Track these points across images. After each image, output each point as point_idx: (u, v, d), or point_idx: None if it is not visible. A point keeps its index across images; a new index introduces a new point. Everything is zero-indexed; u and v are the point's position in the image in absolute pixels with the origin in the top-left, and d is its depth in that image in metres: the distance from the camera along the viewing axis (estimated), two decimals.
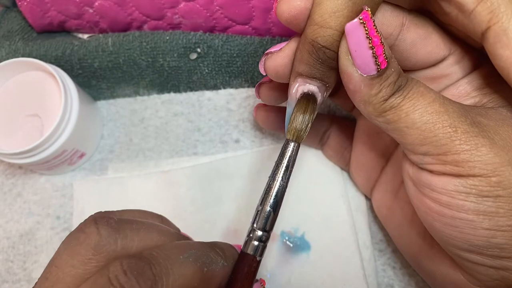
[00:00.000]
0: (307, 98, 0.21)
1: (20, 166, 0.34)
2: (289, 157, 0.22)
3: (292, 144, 0.22)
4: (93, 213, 0.20)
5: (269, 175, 0.22)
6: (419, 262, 0.26)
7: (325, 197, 0.32)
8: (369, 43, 0.18)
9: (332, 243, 0.30)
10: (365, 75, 0.19)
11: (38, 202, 0.33)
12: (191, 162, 0.33)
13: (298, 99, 0.22)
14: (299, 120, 0.22)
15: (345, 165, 0.31)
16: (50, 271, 0.18)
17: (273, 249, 0.31)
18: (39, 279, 0.19)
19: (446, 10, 0.21)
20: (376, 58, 0.19)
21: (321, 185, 0.32)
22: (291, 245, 0.31)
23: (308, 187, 0.32)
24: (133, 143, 0.35)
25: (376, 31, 0.18)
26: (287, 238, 0.31)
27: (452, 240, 0.21)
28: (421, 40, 0.22)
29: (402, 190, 0.27)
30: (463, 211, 0.19)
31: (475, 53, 0.22)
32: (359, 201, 0.32)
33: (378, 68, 0.19)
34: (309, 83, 0.21)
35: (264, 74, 0.23)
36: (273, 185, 0.22)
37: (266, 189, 0.22)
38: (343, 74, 0.20)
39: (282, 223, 0.31)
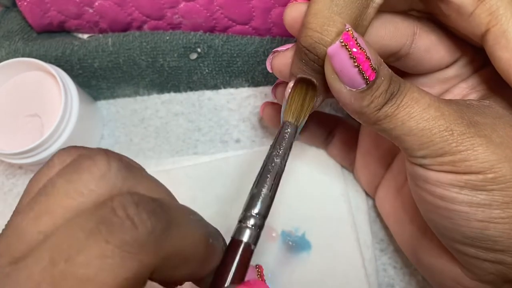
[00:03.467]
0: (306, 82, 0.21)
1: (20, 166, 0.34)
2: (288, 137, 0.21)
3: (290, 126, 0.21)
4: None
5: (264, 158, 0.21)
6: (419, 257, 0.26)
7: (326, 197, 0.32)
8: (354, 62, 0.18)
9: (332, 243, 0.30)
10: (354, 90, 0.19)
11: None
12: (192, 162, 0.33)
13: (296, 81, 0.21)
14: (299, 103, 0.21)
15: (350, 164, 0.32)
16: (38, 201, 0.15)
17: (274, 248, 0.31)
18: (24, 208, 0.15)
19: (445, 13, 0.21)
20: (363, 73, 0.18)
21: (322, 184, 0.32)
22: (292, 244, 0.31)
23: (308, 187, 0.32)
24: (133, 143, 0.35)
25: (360, 48, 0.18)
26: (287, 237, 0.31)
27: (447, 232, 0.21)
28: (434, 46, 0.22)
29: (405, 187, 0.27)
30: (457, 203, 0.20)
31: (482, 52, 0.23)
32: (360, 201, 0.32)
33: (366, 81, 0.19)
34: None
35: (271, 71, 0.24)
36: (270, 166, 0.20)
37: (262, 171, 0.21)
38: (332, 89, 0.20)
39: (283, 223, 0.31)
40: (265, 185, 0.20)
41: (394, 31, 0.21)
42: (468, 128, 0.19)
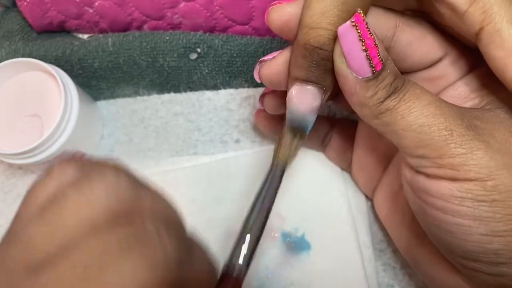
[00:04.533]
0: (295, 130, 0.23)
1: (20, 167, 0.34)
2: (279, 177, 0.23)
3: (279, 166, 0.23)
4: None
5: (254, 199, 0.23)
6: (418, 264, 0.25)
7: (325, 197, 0.32)
8: (362, 45, 0.18)
9: (332, 243, 0.30)
10: (360, 78, 0.19)
11: None
12: (192, 162, 0.33)
13: (286, 128, 0.23)
14: (288, 145, 0.23)
15: (347, 167, 0.31)
16: (51, 212, 0.15)
17: (274, 249, 0.31)
18: None
19: (440, 11, 0.21)
20: (370, 60, 0.19)
21: (321, 185, 0.32)
22: (292, 244, 0.31)
23: (308, 187, 0.32)
24: (133, 143, 0.35)
25: (369, 33, 0.18)
26: (287, 238, 0.31)
27: (448, 246, 0.20)
28: (417, 41, 0.22)
29: (401, 192, 0.26)
30: (459, 216, 0.19)
31: (471, 54, 0.22)
32: (359, 201, 0.32)
33: (373, 70, 0.19)
34: (306, 87, 0.21)
35: (259, 81, 0.24)
36: (260, 205, 0.22)
37: (252, 209, 0.22)
38: (338, 76, 0.20)
39: (283, 223, 0.31)
40: (256, 225, 0.22)
41: (375, 22, 0.21)
42: (468, 130, 0.19)
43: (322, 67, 0.20)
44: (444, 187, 0.19)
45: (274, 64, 0.22)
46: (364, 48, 0.18)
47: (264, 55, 0.32)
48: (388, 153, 0.28)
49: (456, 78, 0.23)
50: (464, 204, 0.19)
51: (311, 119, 0.23)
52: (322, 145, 0.32)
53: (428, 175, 0.20)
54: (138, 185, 0.17)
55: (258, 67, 0.23)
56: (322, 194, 0.32)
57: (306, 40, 0.19)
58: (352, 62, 0.19)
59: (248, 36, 0.33)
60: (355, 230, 0.31)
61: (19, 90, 0.32)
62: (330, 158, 0.32)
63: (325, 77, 0.21)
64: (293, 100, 0.21)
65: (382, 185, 0.29)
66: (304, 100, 0.21)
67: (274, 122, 0.30)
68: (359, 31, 0.18)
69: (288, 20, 0.20)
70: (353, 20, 0.18)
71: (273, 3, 0.21)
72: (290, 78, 0.22)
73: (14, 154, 0.29)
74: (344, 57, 0.19)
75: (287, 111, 0.23)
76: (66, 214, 0.15)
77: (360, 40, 0.18)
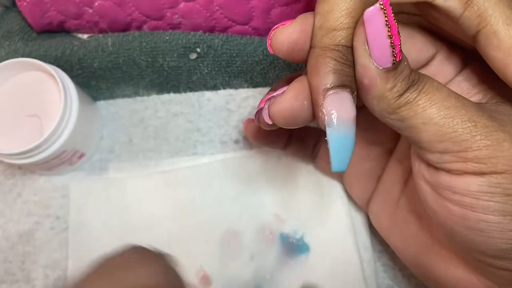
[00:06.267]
0: None
1: (19, 167, 0.34)
2: None
3: None
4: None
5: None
6: (429, 271, 0.24)
7: (324, 199, 0.32)
8: (388, 31, 0.18)
9: (331, 245, 0.30)
10: (380, 68, 0.18)
11: (37, 202, 0.33)
12: (191, 163, 0.33)
13: None
14: None
15: (339, 177, 0.31)
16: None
17: (272, 250, 0.31)
18: None
19: (435, 16, 0.21)
20: (393, 48, 0.18)
21: (320, 186, 0.32)
22: (291, 246, 0.31)
23: (307, 189, 0.32)
24: (132, 144, 0.35)
25: (394, 20, 0.18)
26: (286, 239, 0.31)
27: (476, 246, 0.19)
28: (409, 39, 0.22)
29: (403, 199, 0.26)
30: (489, 212, 0.18)
31: (461, 48, 0.22)
32: None
33: (394, 60, 0.18)
34: (342, 93, 0.19)
35: (270, 123, 0.21)
36: None
37: None
38: (359, 67, 0.19)
39: (281, 225, 0.31)
40: None
41: None
42: (491, 121, 0.18)
43: (352, 66, 0.19)
44: (471, 182, 0.18)
45: (286, 99, 0.20)
46: (390, 34, 0.18)
47: (263, 54, 0.33)
48: (381, 161, 0.27)
49: (452, 74, 0.22)
50: (493, 200, 0.18)
51: (354, 132, 0.20)
52: (311, 156, 0.31)
53: (450, 171, 0.19)
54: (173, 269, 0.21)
55: (267, 105, 0.21)
56: (321, 196, 0.32)
57: (337, 42, 0.19)
58: (376, 49, 0.18)
59: (248, 36, 0.33)
60: (354, 232, 0.31)
61: (19, 90, 0.32)
62: (320, 169, 0.31)
63: (354, 79, 0.20)
64: (335, 112, 0.19)
65: (378, 195, 0.28)
66: (346, 107, 0.19)
67: (263, 131, 0.29)
68: (386, 15, 0.17)
69: (298, 39, 0.20)
70: (381, 3, 0.17)
71: (272, 29, 0.21)
72: (319, 91, 0.19)
73: (13, 154, 0.29)
74: (368, 44, 0.18)
75: (327, 133, 0.20)
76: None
77: (387, 25, 0.18)
